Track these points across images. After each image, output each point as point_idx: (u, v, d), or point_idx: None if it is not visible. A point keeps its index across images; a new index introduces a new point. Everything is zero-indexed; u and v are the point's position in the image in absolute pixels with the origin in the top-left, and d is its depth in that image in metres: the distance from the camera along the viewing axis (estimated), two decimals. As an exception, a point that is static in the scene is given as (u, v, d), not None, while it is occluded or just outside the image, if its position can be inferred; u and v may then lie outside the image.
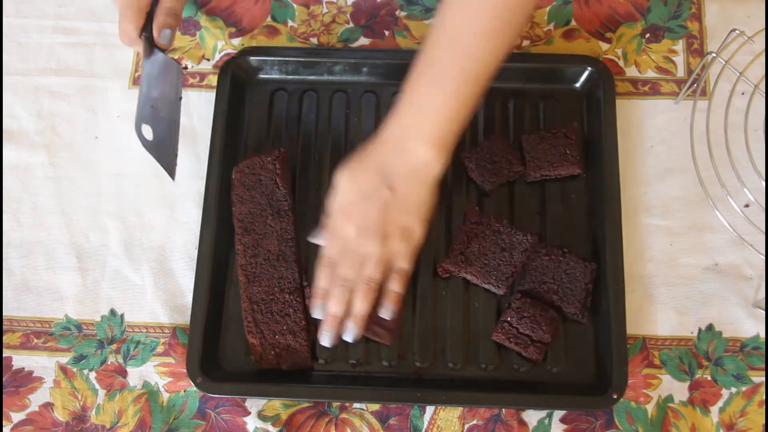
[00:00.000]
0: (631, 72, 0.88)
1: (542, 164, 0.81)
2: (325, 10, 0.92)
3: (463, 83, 0.68)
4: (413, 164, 0.69)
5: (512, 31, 0.69)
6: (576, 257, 0.77)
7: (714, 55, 0.78)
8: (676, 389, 0.77)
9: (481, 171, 0.82)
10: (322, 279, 0.72)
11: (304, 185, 0.84)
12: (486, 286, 0.78)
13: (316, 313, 0.73)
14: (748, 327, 0.79)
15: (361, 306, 0.71)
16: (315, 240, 0.75)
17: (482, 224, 0.79)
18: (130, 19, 0.74)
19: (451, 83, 0.68)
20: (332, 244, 0.72)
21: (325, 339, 0.73)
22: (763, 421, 0.75)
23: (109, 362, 0.80)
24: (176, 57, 0.91)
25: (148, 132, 0.79)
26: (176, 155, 0.79)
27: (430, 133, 0.69)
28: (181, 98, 0.80)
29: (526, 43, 0.90)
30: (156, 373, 0.79)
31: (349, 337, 0.72)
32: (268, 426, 0.76)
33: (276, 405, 0.77)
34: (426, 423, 0.76)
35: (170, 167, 0.79)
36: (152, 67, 0.78)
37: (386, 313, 0.72)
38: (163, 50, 0.76)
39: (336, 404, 0.77)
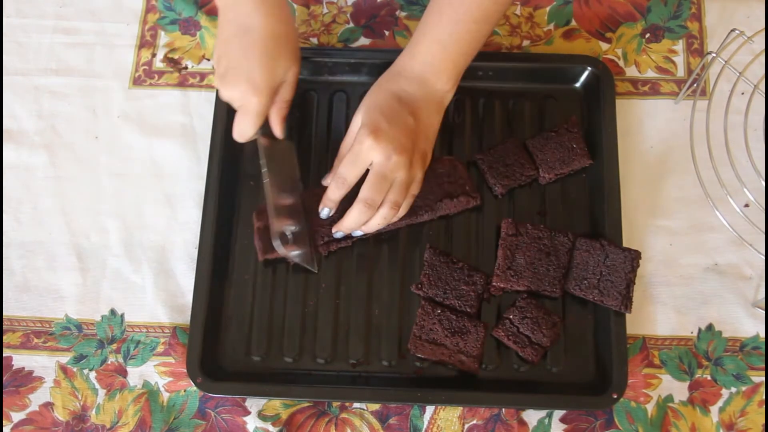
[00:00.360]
0: (631, 72, 0.88)
1: (554, 164, 0.81)
2: (325, 11, 0.92)
3: (483, 21, 0.73)
4: (432, 95, 0.74)
5: None
6: (616, 248, 0.77)
7: (714, 55, 0.78)
8: (676, 389, 0.77)
9: (493, 173, 0.81)
10: (334, 193, 0.73)
11: (305, 185, 0.84)
12: (542, 293, 0.77)
13: (323, 214, 0.76)
14: (748, 327, 0.79)
15: (379, 224, 0.74)
16: (327, 180, 0.76)
17: (521, 234, 0.78)
18: (249, 125, 0.74)
19: (471, 22, 0.72)
20: (353, 168, 0.72)
21: (340, 234, 0.77)
22: (762, 420, 0.75)
23: (109, 362, 0.80)
24: (176, 57, 0.91)
25: (286, 236, 0.77)
26: (312, 246, 0.79)
27: (451, 70, 0.74)
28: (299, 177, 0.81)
29: (526, 43, 0.90)
30: (156, 373, 0.79)
31: (356, 234, 0.77)
32: (268, 426, 0.76)
33: (276, 405, 0.77)
34: (426, 423, 0.77)
35: (310, 260, 0.79)
36: (277, 157, 0.78)
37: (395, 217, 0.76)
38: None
39: (336, 404, 0.78)
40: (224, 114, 0.84)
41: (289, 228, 0.77)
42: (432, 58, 0.74)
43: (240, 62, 0.72)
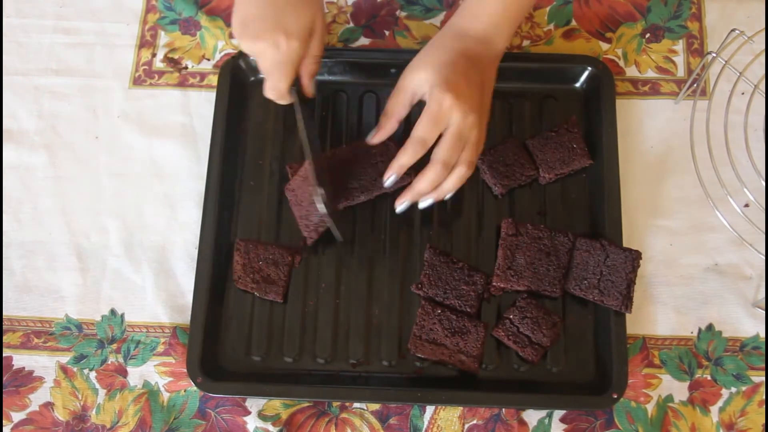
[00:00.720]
0: (631, 72, 0.88)
1: (554, 164, 0.81)
2: (325, 11, 0.92)
3: None
4: (494, 53, 0.74)
5: None
6: (616, 248, 0.77)
7: (714, 55, 0.78)
8: (676, 389, 0.77)
9: (493, 173, 0.81)
10: (409, 158, 0.71)
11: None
12: (542, 293, 0.77)
13: (388, 183, 0.74)
14: (748, 327, 0.79)
15: (454, 186, 0.73)
16: (376, 138, 0.74)
17: (521, 234, 0.78)
18: (284, 77, 0.71)
19: None
20: (434, 128, 0.69)
21: (402, 207, 0.75)
22: (762, 420, 0.75)
23: (109, 362, 0.80)
24: (176, 57, 0.91)
25: (321, 202, 0.74)
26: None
27: (511, 28, 0.75)
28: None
29: (526, 43, 0.90)
30: (156, 373, 0.79)
31: (424, 204, 0.75)
32: (269, 425, 0.76)
33: (276, 404, 0.77)
34: (426, 423, 0.77)
35: (339, 229, 0.78)
36: (306, 116, 0.75)
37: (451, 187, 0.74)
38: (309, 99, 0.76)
39: (336, 404, 0.78)
40: (224, 114, 0.84)
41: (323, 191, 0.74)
42: (496, 18, 0.73)
43: (265, 9, 0.67)
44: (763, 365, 0.77)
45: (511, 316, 0.76)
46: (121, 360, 0.80)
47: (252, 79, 0.88)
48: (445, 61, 0.70)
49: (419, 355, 0.76)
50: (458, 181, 0.72)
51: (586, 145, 0.82)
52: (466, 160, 0.71)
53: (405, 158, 0.71)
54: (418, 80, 0.70)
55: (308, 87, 0.75)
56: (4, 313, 0.82)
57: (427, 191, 0.73)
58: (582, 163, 0.81)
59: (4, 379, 0.80)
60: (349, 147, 0.82)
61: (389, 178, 0.73)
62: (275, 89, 0.72)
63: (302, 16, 0.69)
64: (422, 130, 0.69)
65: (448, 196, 0.74)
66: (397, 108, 0.73)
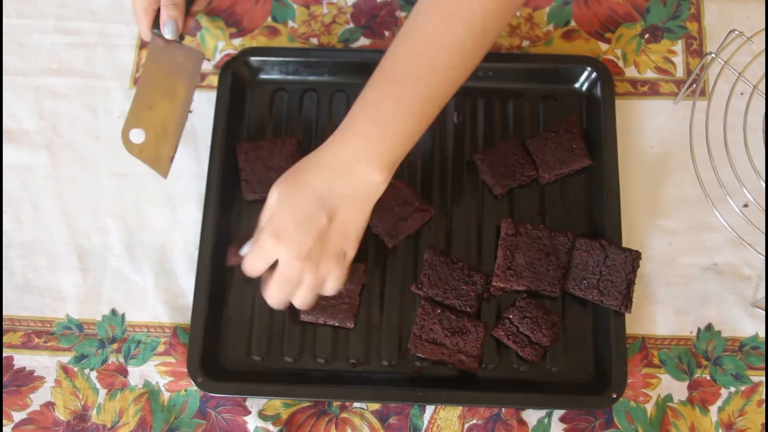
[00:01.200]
0: (631, 72, 0.88)
1: (554, 165, 0.81)
2: (325, 11, 0.93)
3: (428, 102, 0.65)
4: (359, 189, 0.67)
5: (489, 43, 0.66)
6: (616, 248, 0.77)
7: (713, 55, 0.78)
8: (676, 389, 0.77)
9: (493, 173, 0.82)
10: (247, 273, 0.71)
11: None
12: (541, 293, 0.77)
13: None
14: (747, 326, 0.79)
15: (273, 302, 0.71)
16: (242, 252, 0.72)
17: (521, 234, 0.78)
18: (140, 20, 0.78)
19: (415, 102, 0.64)
20: (257, 263, 0.69)
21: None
22: (762, 420, 0.76)
23: (110, 362, 0.80)
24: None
25: (138, 136, 0.78)
26: (172, 157, 0.79)
27: (385, 157, 0.66)
28: (196, 86, 0.82)
29: (526, 43, 0.90)
30: (157, 373, 0.79)
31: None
32: (269, 425, 0.77)
33: (276, 404, 0.78)
34: (426, 422, 0.77)
35: (162, 167, 0.79)
36: (163, 63, 0.79)
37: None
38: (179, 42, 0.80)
39: (336, 403, 0.78)
40: (224, 114, 0.84)
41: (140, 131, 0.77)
42: (366, 143, 0.65)
43: None
44: (763, 365, 0.78)
45: (511, 316, 0.76)
46: (121, 360, 0.80)
47: (252, 79, 0.88)
48: (287, 198, 0.68)
49: (419, 355, 0.76)
50: (297, 306, 0.72)
51: (585, 145, 0.82)
52: (299, 299, 0.71)
53: (246, 270, 0.71)
54: (268, 202, 0.69)
55: (163, 30, 0.78)
56: (5, 313, 0.82)
57: (272, 302, 0.72)
58: (581, 163, 0.81)
59: (5, 378, 0.80)
60: None
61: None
62: (142, 33, 0.80)
63: None
64: (248, 261, 0.70)
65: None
66: (261, 221, 0.70)
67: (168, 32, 0.78)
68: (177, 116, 0.80)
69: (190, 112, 0.82)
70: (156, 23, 0.79)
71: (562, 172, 0.82)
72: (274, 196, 0.68)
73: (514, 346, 0.76)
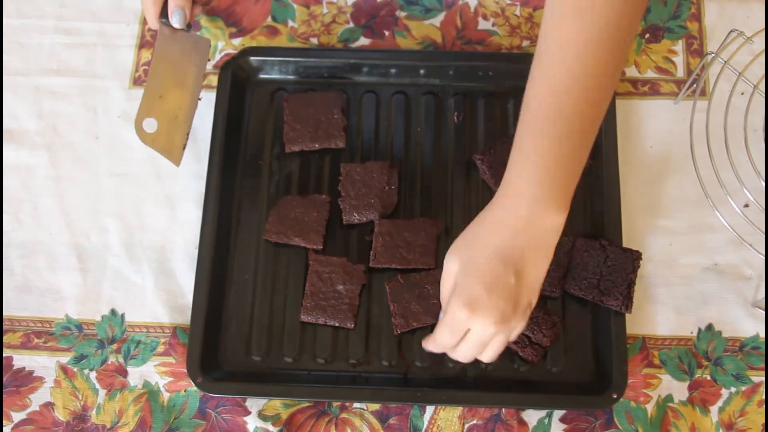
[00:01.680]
0: (631, 72, 0.88)
1: None
2: (325, 11, 0.92)
3: (587, 130, 0.63)
4: (542, 238, 0.64)
5: (628, 44, 0.63)
6: (617, 248, 0.77)
7: (713, 55, 0.78)
8: (676, 389, 0.77)
9: (493, 173, 0.81)
10: (435, 350, 0.69)
11: (305, 185, 0.84)
12: (542, 293, 0.77)
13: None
14: (748, 327, 0.79)
15: (462, 359, 0.68)
16: (428, 346, 0.70)
17: None
18: (148, 9, 0.80)
19: (574, 135, 0.62)
20: (451, 338, 0.66)
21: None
22: (762, 420, 0.76)
23: (109, 362, 0.80)
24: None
25: (150, 125, 0.79)
26: (184, 145, 0.81)
27: (562, 198, 0.63)
28: (205, 75, 0.84)
29: (525, 43, 0.90)
30: (156, 373, 0.79)
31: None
32: (269, 425, 0.77)
33: (276, 404, 0.78)
34: (426, 423, 0.77)
35: (174, 155, 0.80)
36: (172, 53, 0.81)
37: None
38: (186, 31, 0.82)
39: (336, 404, 0.78)
40: (224, 114, 0.84)
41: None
42: (539, 192, 0.62)
43: None
44: (763, 365, 0.77)
45: None
46: (121, 360, 0.80)
47: (252, 79, 0.88)
48: (472, 264, 0.64)
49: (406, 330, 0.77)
50: (490, 360, 0.68)
51: None
52: (487, 357, 0.67)
53: (431, 348, 0.69)
54: (452, 270, 0.66)
55: (171, 19, 0.81)
56: (4, 313, 0.82)
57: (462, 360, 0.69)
58: None
59: (5, 379, 0.80)
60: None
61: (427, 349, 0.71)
62: (149, 23, 0.82)
63: None
64: (440, 336, 0.67)
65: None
66: (443, 294, 0.68)
67: (176, 21, 0.80)
68: (187, 104, 0.81)
69: (200, 99, 0.82)
70: (163, 12, 0.80)
71: None
72: (454, 266, 0.65)
73: (514, 346, 0.76)
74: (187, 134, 0.81)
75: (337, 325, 0.78)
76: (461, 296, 0.64)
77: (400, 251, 0.79)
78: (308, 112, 0.84)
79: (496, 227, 0.64)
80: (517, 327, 0.66)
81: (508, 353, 0.77)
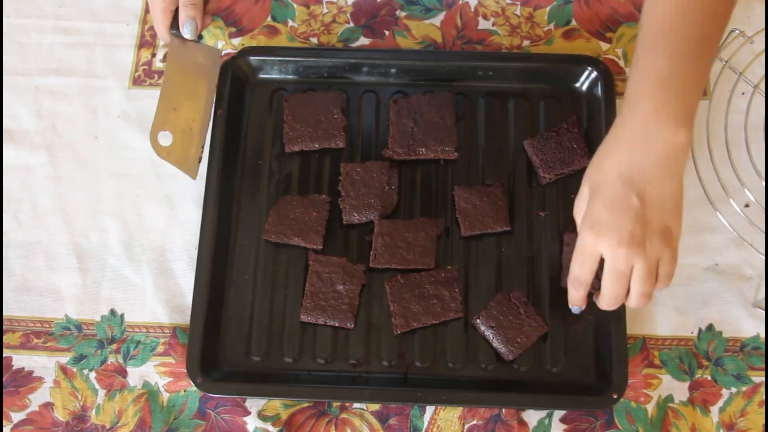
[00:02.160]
0: (631, 72, 0.88)
1: (554, 164, 0.81)
2: (325, 10, 0.92)
3: (703, 43, 0.62)
4: (662, 154, 0.62)
5: None
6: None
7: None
8: (676, 389, 0.77)
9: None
10: (575, 294, 0.70)
11: (305, 185, 0.84)
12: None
13: (575, 311, 0.73)
14: (748, 327, 0.79)
15: (639, 306, 0.68)
16: (571, 288, 0.71)
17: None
18: (158, 21, 0.79)
19: (690, 47, 0.61)
20: (584, 268, 0.67)
21: (575, 311, 0.73)
22: (763, 421, 0.75)
23: (109, 362, 0.80)
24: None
25: (166, 138, 0.78)
26: (200, 157, 0.80)
27: (680, 112, 0.61)
28: (216, 84, 0.83)
29: (526, 42, 0.90)
30: (156, 373, 0.79)
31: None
32: (268, 426, 0.76)
33: (276, 405, 0.77)
34: (426, 423, 0.76)
35: (191, 169, 0.80)
36: (184, 64, 0.80)
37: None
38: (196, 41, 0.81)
39: (336, 404, 0.77)
40: (224, 114, 0.84)
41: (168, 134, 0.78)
42: (655, 106, 0.61)
43: None
44: (764, 365, 0.77)
45: (495, 306, 0.77)
46: (120, 360, 0.80)
47: (252, 78, 0.88)
48: (596, 186, 0.65)
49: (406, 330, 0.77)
50: (637, 306, 0.68)
51: (586, 145, 0.82)
52: (636, 294, 0.66)
53: (572, 296, 0.71)
54: (580, 197, 0.68)
55: (182, 30, 0.80)
56: (4, 313, 0.82)
57: (609, 308, 0.70)
58: (582, 163, 0.81)
59: (4, 379, 0.80)
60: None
61: (573, 309, 0.73)
62: (159, 34, 0.82)
63: None
64: (574, 270, 0.68)
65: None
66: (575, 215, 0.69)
67: (187, 32, 0.79)
68: (201, 116, 0.80)
69: (219, 113, 0.82)
70: (173, 24, 0.79)
71: (563, 172, 0.81)
72: (585, 191, 0.67)
73: (490, 339, 0.76)
74: (203, 146, 0.80)
75: (337, 325, 0.77)
76: (586, 220, 0.65)
77: (400, 251, 0.78)
78: (308, 111, 0.84)
79: (613, 146, 0.65)
80: (660, 255, 0.64)
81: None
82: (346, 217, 0.81)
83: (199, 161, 0.80)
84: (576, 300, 0.71)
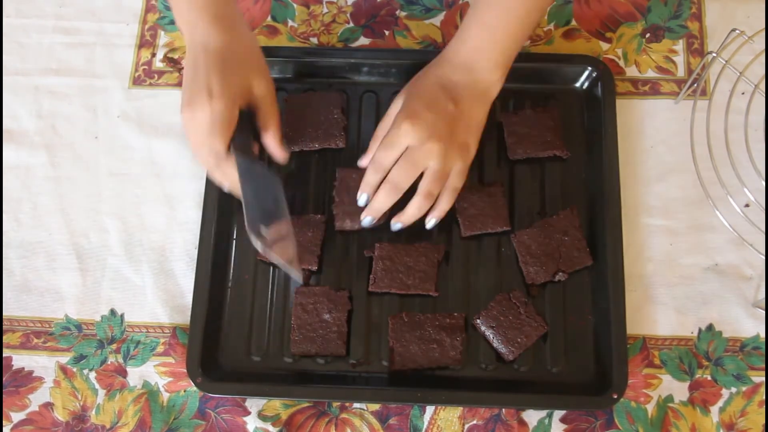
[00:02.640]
0: (632, 72, 0.88)
1: (528, 146, 0.82)
2: (325, 10, 0.92)
3: (534, 9, 0.71)
4: (478, 84, 0.72)
5: None
6: (551, 218, 0.79)
7: (714, 54, 0.78)
8: (676, 389, 0.77)
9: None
10: (371, 177, 0.73)
11: (305, 185, 0.84)
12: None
13: (360, 201, 0.74)
14: (748, 327, 0.79)
15: (413, 213, 0.74)
16: (363, 162, 0.76)
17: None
18: (216, 137, 0.69)
19: (521, 5, 0.70)
20: (389, 152, 0.71)
21: (367, 222, 0.75)
22: (763, 421, 0.75)
23: (109, 362, 0.80)
24: (176, 56, 0.91)
25: (267, 233, 0.72)
26: (299, 260, 0.76)
27: (498, 57, 0.72)
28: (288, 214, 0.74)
29: (526, 43, 0.90)
30: (156, 373, 0.79)
31: (395, 227, 0.76)
32: (268, 426, 0.76)
33: (276, 405, 0.77)
34: (426, 423, 0.76)
35: (295, 271, 0.74)
36: (253, 176, 0.72)
37: (431, 224, 0.75)
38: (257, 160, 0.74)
39: (336, 404, 0.78)
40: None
41: (266, 230, 0.71)
42: (480, 44, 0.72)
43: (199, 78, 0.68)
44: (764, 365, 0.77)
45: (496, 307, 0.77)
46: (120, 360, 0.80)
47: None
48: (416, 88, 0.74)
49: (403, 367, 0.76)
50: (415, 210, 0.73)
51: (561, 136, 0.82)
52: (422, 190, 0.72)
53: (369, 178, 0.73)
54: (394, 105, 0.74)
55: (277, 154, 0.75)
56: (4, 313, 0.82)
57: (380, 211, 0.74)
58: (555, 152, 0.82)
59: (4, 379, 0.80)
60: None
61: (361, 196, 0.74)
62: (212, 151, 0.70)
63: (232, 79, 0.69)
64: (379, 153, 0.72)
65: (431, 223, 0.76)
66: (378, 132, 0.76)
67: (285, 159, 0.75)
68: (286, 227, 0.73)
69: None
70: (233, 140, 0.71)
71: (536, 155, 0.82)
72: (400, 98, 0.74)
73: (490, 340, 0.76)
74: (296, 252, 0.73)
75: (330, 353, 0.77)
76: (403, 111, 0.71)
77: (400, 276, 0.78)
78: (308, 112, 0.84)
79: (438, 61, 0.74)
80: (455, 164, 0.72)
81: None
82: (338, 224, 0.80)
83: (300, 264, 0.77)
84: (371, 183, 0.72)
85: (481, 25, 0.72)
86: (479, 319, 0.77)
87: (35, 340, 0.81)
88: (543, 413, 0.76)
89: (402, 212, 0.74)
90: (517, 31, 0.72)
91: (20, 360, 0.81)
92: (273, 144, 0.74)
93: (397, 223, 0.75)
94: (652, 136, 0.85)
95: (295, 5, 0.93)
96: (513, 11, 0.71)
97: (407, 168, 0.71)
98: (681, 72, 0.88)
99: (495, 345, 0.76)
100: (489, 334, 0.76)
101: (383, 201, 0.73)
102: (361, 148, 0.84)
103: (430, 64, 0.75)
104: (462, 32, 0.74)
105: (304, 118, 0.84)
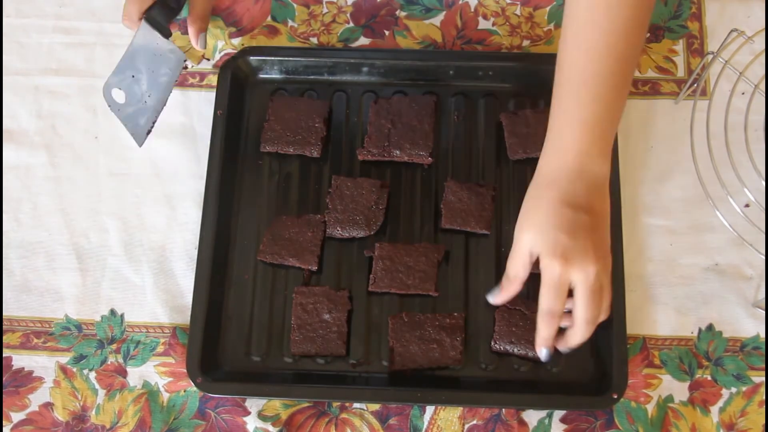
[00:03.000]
0: (631, 72, 0.88)
1: (527, 146, 0.82)
2: (325, 10, 0.92)
3: (622, 86, 0.68)
4: (596, 183, 0.68)
5: (650, 7, 0.68)
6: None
7: (714, 55, 0.78)
8: (677, 389, 0.77)
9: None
10: (546, 332, 0.69)
11: (305, 185, 0.84)
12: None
13: (543, 357, 0.71)
14: (748, 327, 0.79)
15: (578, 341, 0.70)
16: (497, 300, 0.72)
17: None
18: (132, 7, 0.80)
19: (611, 91, 0.67)
20: (556, 296, 0.67)
21: (544, 355, 0.71)
22: (763, 421, 0.75)
23: (109, 362, 0.80)
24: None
25: (119, 96, 0.80)
26: (149, 130, 0.82)
27: (604, 147, 0.68)
28: (171, 91, 0.83)
29: (526, 42, 0.90)
30: (156, 373, 0.79)
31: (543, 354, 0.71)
32: (268, 426, 0.76)
33: (276, 405, 0.77)
34: (426, 423, 0.76)
35: (138, 135, 0.82)
36: (150, 48, 0.81)
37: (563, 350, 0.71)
38: (167, 37, 0.82)
39: (336, 404, 0.77)
40: (224, 114, 0.84)
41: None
42: (585, 147, 0.67)
43: None
44: (764, 365, 0.77)
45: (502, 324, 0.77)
46: (120, 360, 0.80)
47: (252, 78, 0.88)
48: (543, 218, 0.67)
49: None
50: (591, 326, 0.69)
51: None
52: (606, 308, 0.69)
53: (543, 332, 0.69)
54: (528, 241, 0.68)
55: (196, 43, 0.86)
56: (4, 313, 0.82)
57: (577, 345, 0.70)
58: None
59: (4, 379, 0.80)
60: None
61: (542, 353, 0.70)
62: (128, 14, 0.81)
63: None
64: (545, 303, 0.67)
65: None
66: (517, 270, 0.70)
67: (201, 45, 0.86)
68: (157, 95, 0.82)
69: (165, 106, 0.83)
70: (149, 10, 0.81)
71: (532, 155, 0.81)
72: (527, 236, 0.68)
73: (518, 352, 0.76)
74: (154, 122, 0.82)
75: (330, 354, 0.77)
76: (548, 252, 0.66)
77: (400, 276, 0.78)
78: (290, 116, 0.84)
79: (552, 181, 0.68)
80: (607, 267, 0.68)
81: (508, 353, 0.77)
82: (329, 230, 0.80)
83: (148, 134, 0.82)
84: (547, 338, 0.69)
85: (577, 127, 0.67)
86: (496, 344, 0.76)
87: (35, 340, 0.81)
88: (543, 413, 0.76)
89: (564, 338, 0.70)
90: (612, 115, 0.68)
91: (20, 360, 0.81)
92: (190, 30, 0.85)
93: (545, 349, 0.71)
94: (652, 136, 0.85)
95: (295, 5, 0.93)
96: (602, 97, 0.67)
97: (592, 300, 0.66)
98: (681, 72, 0.88)
99: (530, 356, 0.75)
100: (515, 350, 0.76)
101: (583, 338, 0.69)
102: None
103: (536, 191, 0.69)
104: (558, 140, 0.69)
105: (285, 121, 0.84)
